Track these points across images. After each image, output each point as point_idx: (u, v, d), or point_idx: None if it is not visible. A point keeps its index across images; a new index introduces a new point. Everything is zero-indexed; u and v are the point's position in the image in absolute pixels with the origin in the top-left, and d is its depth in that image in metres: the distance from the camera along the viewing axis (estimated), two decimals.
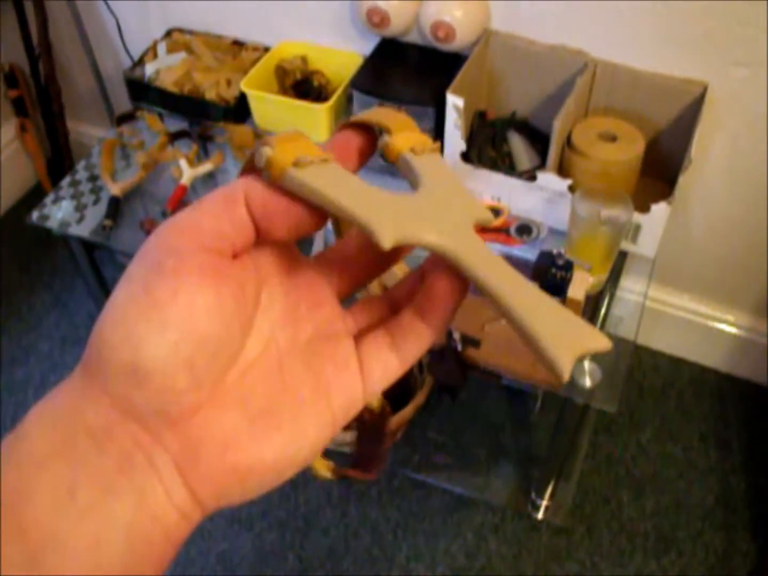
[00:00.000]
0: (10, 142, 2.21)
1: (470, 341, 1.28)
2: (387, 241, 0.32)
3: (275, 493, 1.69)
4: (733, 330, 1.78)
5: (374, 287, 1.27)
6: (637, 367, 1.86)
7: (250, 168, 0.34)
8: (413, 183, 0.37)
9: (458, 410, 1.80)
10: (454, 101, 1.38)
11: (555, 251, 1.17)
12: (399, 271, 1.26)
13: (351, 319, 0.39)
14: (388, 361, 0.38)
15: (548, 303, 0.33)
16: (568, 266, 1.16)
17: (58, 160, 2.12)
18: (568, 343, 0.32)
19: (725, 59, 1.39)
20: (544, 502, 1.62)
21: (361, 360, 0.37)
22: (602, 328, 1.36)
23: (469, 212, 0.36)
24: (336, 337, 0.37)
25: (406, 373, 1.40)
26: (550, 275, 1.17)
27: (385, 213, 0.33)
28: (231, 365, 0.33)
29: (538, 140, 1.57)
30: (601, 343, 0.32)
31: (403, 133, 0.38)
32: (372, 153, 0.39)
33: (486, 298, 0.33)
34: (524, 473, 1.70)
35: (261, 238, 0.33)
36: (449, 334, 1.28)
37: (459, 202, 0.36)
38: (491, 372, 1.30)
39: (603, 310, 1.39)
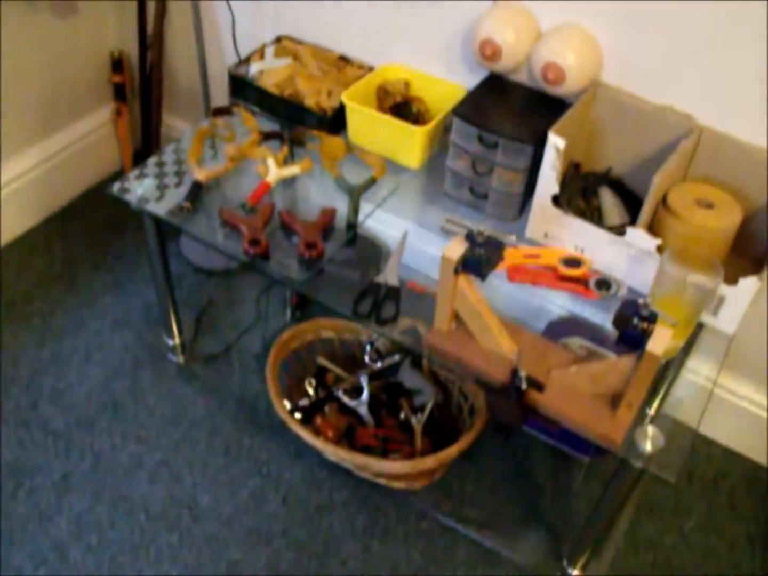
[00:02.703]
0: (104, 124, 2.26)
1: (535, 384, 1.24)
2: None
3: (300, 512, 1.64)
4: None
5: None
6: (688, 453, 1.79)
7: None
8: None
9: (500, 465, 1.74)
10: (555, 141, 1.35)
11: (641, 300, 1.13)
12: None
13: None
14: None
15: None
16: (652, 318, 1.11)
17: (146, 149, 2.15)
18: None
19: None
20: (576, 572, 1.55)
21: None
22: (660, 406, 1.30)
23: None
24: None
25: (454, 414, 1.36)
26: (631, 325, 1.12)
27: None
28: None
29: (629, 200, 1.54)
30: None
31: None
32: None
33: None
34: (557, 539, 1.63)
35: None
36: (515, 372, 1.24)
37: None
38: (550, 419, 1.25)
39: (666, 384, 1.33)
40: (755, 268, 1.45)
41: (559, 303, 1.46)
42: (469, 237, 1.20)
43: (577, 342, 1.45)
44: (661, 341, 1.11)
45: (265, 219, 1.46)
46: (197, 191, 1.51)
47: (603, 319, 1.42)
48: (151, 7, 1.95)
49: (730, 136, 1.41)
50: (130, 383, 1.85)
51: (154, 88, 2.00)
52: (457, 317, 1.31)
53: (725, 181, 1.43)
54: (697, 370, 1.39)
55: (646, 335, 1.11)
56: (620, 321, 1.14)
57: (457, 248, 1.20)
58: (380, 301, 1.38)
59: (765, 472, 1.79)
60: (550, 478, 1.74)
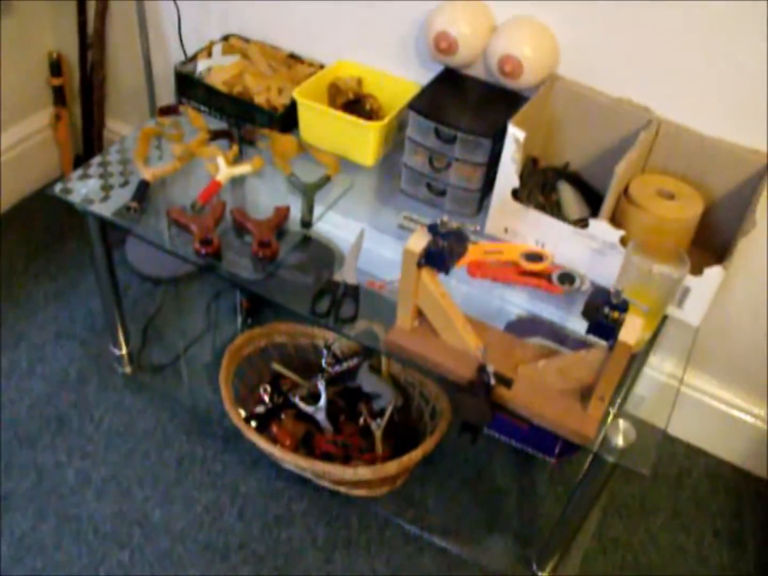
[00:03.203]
0: (43, 129, 2.16)
1: (503, 380, 1.20)
2: None
3: (257, 524, 1.57)
4: (758, 424, 1.70)
5: None
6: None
7: None
8: None
9: (463, 468, 1.70)
10: (515, 133, 1.32)
11: (612, 289, 1.10)
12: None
13: None
14: None
15: None
16: (624, 306, 1.08)
17: (88, 154, 2.07)
18: None
19: None
20: (545, 575, 1.51)
21: None
22: (623, 404, 1.27)
23: None
24: None
25: (415, 418, 1.31)
26: (602, 314, 1.09)
27: None
28: None
29: (588, 194, 1.52)
30: None
31: None
32: None
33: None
34: (525, 542, 1.59)
35: None
36: (482, 369, 1.20)
37: None
38: (519, 415, 1.21)
39: (632, 378, 1.30)
40: (717, 260, 1.44)
41: (517, 302, 1.43)
42: (432, 228, 1.16)
43: (538, 342, 1.41)
44: (632, 330, 1.08)
45: (215, 218, 1.40)
46: (144, 191, 1.44)
47: (562, 317, 1.40)
48: (91, 6, 1.88)
49: (688, 128, 1.40)
50: (75, 396, 1.76)
51: (96, 90, 1.92)
52: (419, 314, 1.26)
53: (684, 172, 1.42)
54: (661, 363, 1.36)
55: (618, 325, 1.08)
56: (590, 311, 1.11)
57: (419, 240, 1.15)
58: (338, 299, 1.33)
59: (728, 467, 1.78)
60: (514, 481, 1.70)
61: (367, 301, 1.34)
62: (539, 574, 1.52)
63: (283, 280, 1.38)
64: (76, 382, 1.79)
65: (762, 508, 1.71)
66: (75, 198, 1.44)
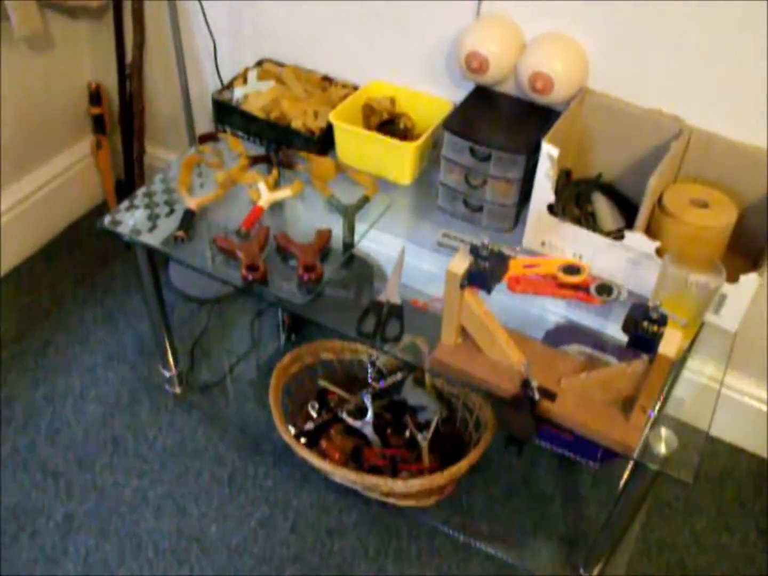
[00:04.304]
0: (84, 157, 2.24)
1: (546, 393, 1.23)
2: None
3: (310, 537, 1.62)
4: None
5: None
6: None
7: None
8: None
9: (508, 475, 1.74)
10: (549, 150, 1.36)
11: (651, 303, 1.13)
12: None
13: None
14: None
15: None
16: (662, 320, 1.11)
17: (129, 181, 2.13)
18: None
19: None
20: None
21: None
22: (663, 407, 1.30)
23: None
24: None
25: (459, 428, 1.35)
26: (641, 328, 1.12)
27: None
28: None
29: (622, 204, 1.55)
30: None
31: None
32: None
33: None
34: (571, 546, 1.62)
35: None
36: (526, 384, 1.23)
37: None
38: (563, 427, 1.25)
39: (668, 385, 1.33)
40: (752, 265, 1.47)
41: (555, 310, 1.46)
42: (473, 250, 1.20)
43: (576, 349, 1.45)
44: (672, 343, 1.11)
45: (260, 244, 1.45)
46: (190, 219, 1.50)
47: (601, 324, 1.43)
48: (129, 38, 1.94)
49: (718, 135, 1.42)
50: (128, 418, 1.82)
51: (136, 119, 1.98)
52: (463, 331, 1.30)
53: (716, 180, 1.44)
54: (701, 367, 1.39)
55: (657, 338, 1.11)
56: (630, 325, 1.14)
57: (461, 262, 1.19)
58: (383, 319, 1.37)
59: None
60: (558, 486, 1.73)
61: (412, 319, 1.38)
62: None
63: (328, 302, 1.43)
64: (128, 403, 1.85)
65: None
66: (123, 229, 1.50)
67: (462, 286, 1.21)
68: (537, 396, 1.22)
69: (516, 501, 1.70)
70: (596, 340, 1.45)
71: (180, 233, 1.47)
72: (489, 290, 1.21)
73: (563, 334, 1.46)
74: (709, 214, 1.37)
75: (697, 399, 1.38)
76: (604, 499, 1.71)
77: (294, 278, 1.42)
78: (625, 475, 1.55)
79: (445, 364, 1.31)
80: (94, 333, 2.00)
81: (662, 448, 1.24)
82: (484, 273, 1.20)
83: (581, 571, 1.56)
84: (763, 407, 1.74)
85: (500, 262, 1.21)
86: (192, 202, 1.52)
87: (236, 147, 1.65)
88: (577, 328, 1.46)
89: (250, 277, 1.39)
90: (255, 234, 1.47)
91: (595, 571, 1.54)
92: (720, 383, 1.38)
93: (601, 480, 1.74)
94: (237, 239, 1.47)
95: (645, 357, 1.16)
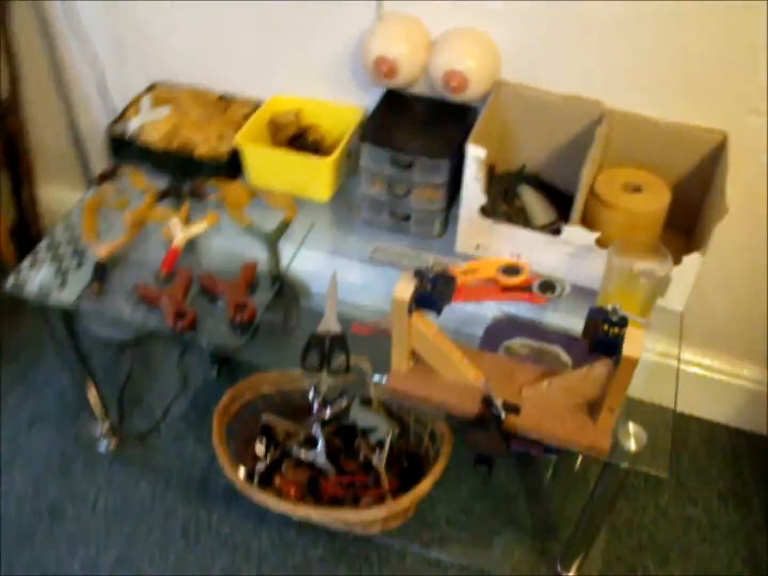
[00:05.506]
0: None
1: (510, 408, 1.19)
2: None
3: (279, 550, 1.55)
4: (745, 384, 1.73)
5: None
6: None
7: None
8: None
9: (468, 481, 1.70)
10: (475, 153, 1.31)
11: (610, 307, 1.09)
12: None
13: None
14: None
15: None
16: (623, 322, 1.08)
17: (23, 227, 1.97)
18: None
19: (742, 108, 1.36)
20: (572, 574, 1.52)
21: None
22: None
23: None
24: None
25: (414, 443, 1.28)
26: (602, 332, 1.09)
27: None
28: None
29: (550, 195, 1.51)
30: None
31: None
32: None
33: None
34: (543, 542, 1.60)
35: None
36: (488, 401, 1.18)
37: None
38: (533, 439, 1.21)
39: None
40: (684, 237, 1.46)
41: (490, 305, 1.42)
42: (418, 273, 1.14)
43: (519, 342, 1.41)
44: (636, 344, 1.08)
45: (184, 287, 1.35)
46: (102, 270, 1.38)
47: (537, 314, 1.40)
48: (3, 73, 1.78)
49: (640, 115, 1.40)
50: (62, 483, 1.69)
51: (22, 160, 1.83)
52: (414, 354, 1.24)
53: (643, 160, 1.42)
54: (653, 345, 1.36)
55: (619, 340, 1.08)
56: (590, 330, 1.10)
57: (406, 287, 1.13)
58: (327, 351, 1.30)
59: (721, 429, 1.82)
60: (520, 483, 1.70)
61: (356, 344, 1.32)
62: (565, 574, 1.53)
63: (265, 339, 1.34)
64: (60, 468, 1.72)
65: (759, 463, 1.76)
66: (30, 290, 1.37)
67: (410, 311, 1.15)
68: (502, 413, 1.18)
69: (480, 505, 1.67)
70: (538, 331, 1.42)
71: (94, 287, 1.36)
72: (439, 311, 1.15)
73: (504, 329, 1.42)
74: (644, 199, 1.35)
75: (652, 377, 1.36)
76: (567, 490, 1.69)
77: (225, 320, 1.33)
78: (598, 475, 1.53)
79: (402, 392, 1.25)
80: (9, 396, 1.85)
81: (632, 445, 1.21)
82: (432, 295, 1.14)
83: (558, 568, 1.54)
84: (707, 373, 1.75)
85: (447, 281, 1.15)
86: (101, 251, 1.41)
87: (139, 183, 1.54)
88: (516, 321, 1.43)
89: (179, 326, 1.30)
90: (176, 277, 1.37)
91: (573, 568, 1.52)
92: (677, 359, 1.36)
93: (561, 468, 1.73)
94: (158, 285, 1.37)
95: (607, 359, 1.13)
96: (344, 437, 1.62)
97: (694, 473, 1.74)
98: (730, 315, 1.66)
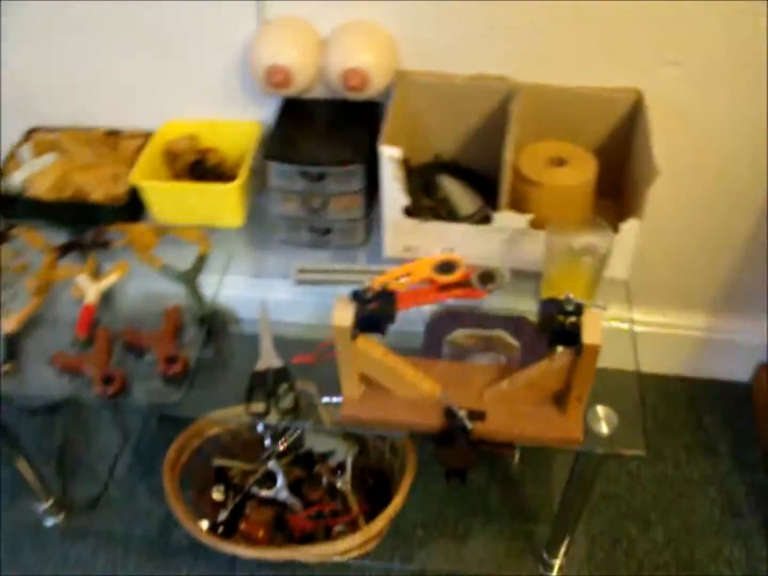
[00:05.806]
0: None
1: (475, 416, 1.13)
2: None
3: None
4: (694, 333, 1.72)
5: None
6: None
7: None
8: None
9: (437, 484, 1.64)
10: (390, 153, 1.24)
11: (563, 296, 1.04)
12: None
13: None
14: None
15: None
16: (579, 310, 1.03)
17: None
18: None
19: (655, 61, 1.32)
20: (558, 561, 1.49)
21: None
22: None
23: None
24: None
25: (376, 457, 1.20)
26: (558, 323, 1.04)
27: None
28: None
29: (470, 179, 1.46)
30: None
31: None
32: None
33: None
34: (525, 533, 1.56)
35: None
36: (451, 413, 1.12)
37: None
38: (503, 443, 1.15)
39: None
40: (612, 202, 1.42)
41: None
42: (357, 296, 1.06)
43: (463, 333, 1.36)
44: (595, 330, 1.02)
45: (106, 348, 1.25)
46: (14, 345, 1.27)
47: (477, 301, 1.34)
48: None
49: (549, 86, 1.35)
50: (13, 571, 1.56)
51: None
52: (365, 378, 1.17)
53: (561, 132, 1.37)
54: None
55: (578, 330, 1.03)
56: (546, 323, 1.05)
57: (345, 313, 1.05)
58: (271, 389, 1.22)
59: (675, 380, 1.81)
60: (489, 474, 1.66)
61: (300, 371, 1.24)
62: (553, 561, 1.49)
63: (203, 381, 1.25)
64: (9, 554, 1.58)
65: (718, 408, 1.75)
66: None
67: (353, 337, 1.08)
68: (467, 423, 1.12)
69: (453, 507, 1.61)
70: (478, 319, 1.37)
71: (7, 366, 1.25)
72: (384, 331, 1.08)
73: (444, 323, 1.36)
74: (571, 171, 1.30)
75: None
76: (537, 470, 1.66)
77: (157, 375, 1.23)
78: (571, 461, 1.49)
79: (357, 419, 1.17)
80: None
81: (604, 428, 1.17)
82: (374, 315, 1.07)
83: (545, 556, 1.50)
84: (650, 329, 1.73)
85: (387, 299, 1.08)
86: (9, 324, 1.29)
87: (36, 241, 1.42)
88: (455, 312, 1.37)
89: (108, 392, 1.20)
90: (96, 338, 1.27)
91: (559, 555, 1.48)
92: (630, 322, 1.35)
93: (528, 455, 1.68)
94: (77, 350, 1.26)
95: (566, 349, 1.08)
96: (303, 465, 1.54)
97: (658, 430, 1.72)
98: (664, 266, 1.64)
